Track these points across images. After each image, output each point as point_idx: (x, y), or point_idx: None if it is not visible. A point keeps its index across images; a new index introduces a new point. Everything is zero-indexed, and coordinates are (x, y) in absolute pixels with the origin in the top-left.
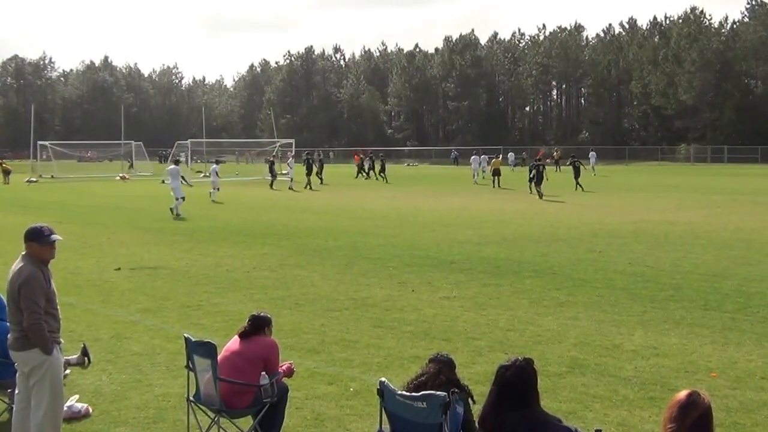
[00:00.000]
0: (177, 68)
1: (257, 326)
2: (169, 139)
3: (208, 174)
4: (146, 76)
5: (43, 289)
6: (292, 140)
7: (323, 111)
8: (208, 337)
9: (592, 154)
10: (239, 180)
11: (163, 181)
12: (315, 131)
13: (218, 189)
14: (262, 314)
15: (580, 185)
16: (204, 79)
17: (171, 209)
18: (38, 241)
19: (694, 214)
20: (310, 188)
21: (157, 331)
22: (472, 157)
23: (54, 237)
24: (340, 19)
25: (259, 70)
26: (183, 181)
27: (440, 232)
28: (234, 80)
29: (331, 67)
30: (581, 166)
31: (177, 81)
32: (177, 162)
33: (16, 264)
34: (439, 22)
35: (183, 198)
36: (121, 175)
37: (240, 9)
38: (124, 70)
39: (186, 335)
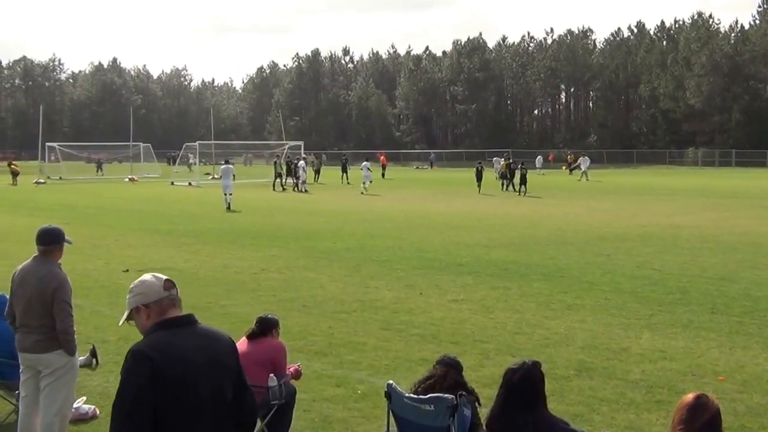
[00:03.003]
0: (186, 70)
1: (265, 328)
2: (178, 140)
3: (218, 176)
4: (155, 77)
5: (72, 292)
6: (300, 142)
7: (332, 113)
8: None
9: (585, 159)
10: (246, 182)
11: (172, 183)
12: (323, 133)
13: (231, 194)
14: (269, 316)
15: (524, 187)
16: (213, 81)
17: (228, 205)
18: (59, 242)
19: (702, 217)
20: (293, 190)
21: None
22: (494, 158)
23: (68, 239)
24: (348, 21)
25: (267, 72)
26: (233, 179)
27: (448, 234)
28: (243, 82)
29: (339, 70)
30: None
31: (186, 83)
32: (227, 161)
33: (37, 265)
34: (447, 26)
35: (231, 193)
36: (129, 176)
37: (248, 11)
38: (132, 72)
39: None
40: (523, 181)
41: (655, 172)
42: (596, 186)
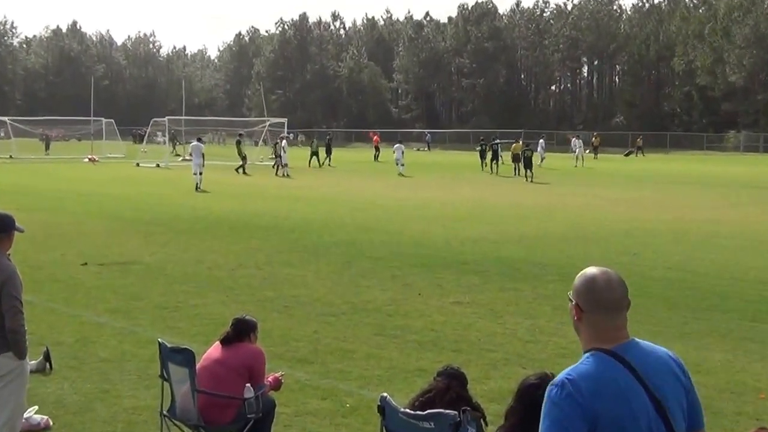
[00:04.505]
0: (154, 36)
1: (241, 331)
2: (145, 116)
3: (188, 157)
4: (119, 45)
5: (22, 286)
6: (284, 119)
7: (319, 87)
8: (186, 342)
9: (577, 141)
10: (220, 164)
11: (138, 164)
12: (310, 110)
13: (201, 173)
14: (247, 318)
15: (529, 172)
16: (185, 49)
17: (197, 185)
18: (8, 230)
19: (744, 211)
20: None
21: (128, 335)
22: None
23: (19, 227)
24: None
25: (247, 39)
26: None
27: (451, 227)
28: (219, 51)
29: (329, 38)
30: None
31: (154, 51)
32: (200, 139)
33: None
34: None
35: (201, 173)
36: (89, 156)
37: None
38: (94, 38)
39: (160, 340)
40: (528, 165)
41: (690, 158)
42: (615, 172)
